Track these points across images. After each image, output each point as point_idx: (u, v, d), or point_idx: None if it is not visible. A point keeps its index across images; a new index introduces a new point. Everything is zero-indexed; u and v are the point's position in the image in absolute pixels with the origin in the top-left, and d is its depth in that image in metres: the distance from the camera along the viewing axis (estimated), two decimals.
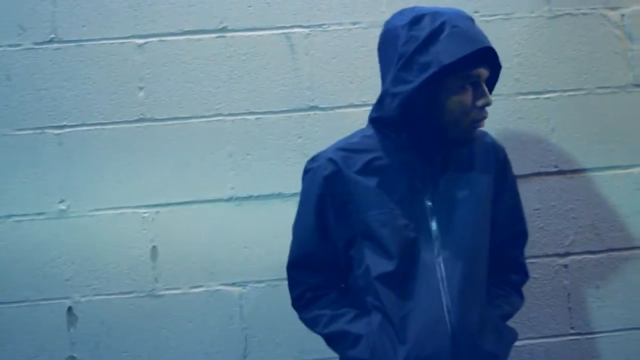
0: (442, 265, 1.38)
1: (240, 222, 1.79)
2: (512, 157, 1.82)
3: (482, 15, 1.84)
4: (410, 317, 1.36)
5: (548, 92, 1.86)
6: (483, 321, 1.39)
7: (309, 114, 1.81)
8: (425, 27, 1.31)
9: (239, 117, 1.81)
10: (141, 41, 1.80)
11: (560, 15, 1.87)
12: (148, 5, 1.80)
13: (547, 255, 1.84)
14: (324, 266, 1.49)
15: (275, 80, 1.81)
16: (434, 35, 1.30)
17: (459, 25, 1.31)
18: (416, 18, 1.33)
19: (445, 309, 1.36)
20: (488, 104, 1.35)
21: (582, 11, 1.87)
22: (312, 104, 1.82)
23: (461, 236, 1.40)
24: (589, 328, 1.85)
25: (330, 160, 1.42)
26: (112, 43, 1.79)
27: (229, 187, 1.80)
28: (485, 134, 1.54)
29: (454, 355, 1.34)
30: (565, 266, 1.85)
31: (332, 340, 1.46)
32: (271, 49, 1.81)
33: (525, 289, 1.82)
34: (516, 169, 1.82)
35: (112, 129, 1.79)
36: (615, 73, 1.87)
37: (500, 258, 1.54)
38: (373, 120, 1.45)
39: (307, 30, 1.82)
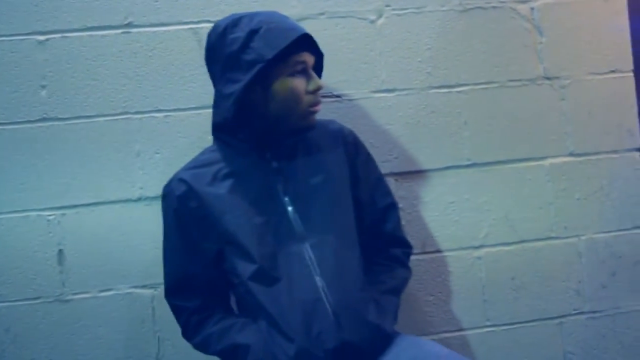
0: (309, 250, 1.41)
1: (150, 222, 1.73)
2: (424, 151, 1.84)
3: (394, 9, 1.84)
4: (289, 309, 1.37)
5: (460, 85, 1.86)
6: (362, 295, 1.42)
7: None
8: (244, 28, 1.38)
9: (147, 115, 1.76)
10: (42, 37, 1.73)
11: (471, 8, 1.87)
12: (49, 0, 1.74)
13: (462, 248, 1.85)
14: (201, 287, 1.49)
15: (183, 76, 1.77)
16: (254, 34, 1.36)
17: (274, 22, 1.39)
18: (234, 21, 1.41)
19: (321, 292, 1.38)
20: (319, 87, 1.42)
21: (492, 5, 1.88)
22: None
23: (323, 220, 1.44)
24: (504, 319, 1.87)
25: (181, 180, 1.47)
26: (11, 40, 1.72)
27: (138, 187, 1.75)
28: (331, 121, 1.59)
29: (339, 333, 1.35)
30: (480, 258, 1.85)
31: (226, 357, 1.45)
32: (179, 45, 1.77)
33: (440, 282, 1.85)
34: (429, 163, 1.84)
35: (13, 129, 1.72)
36: (525, 66, 1.89)
37: (378, 235, 1.58)
38: (214, 130, 1.49)
39: None
